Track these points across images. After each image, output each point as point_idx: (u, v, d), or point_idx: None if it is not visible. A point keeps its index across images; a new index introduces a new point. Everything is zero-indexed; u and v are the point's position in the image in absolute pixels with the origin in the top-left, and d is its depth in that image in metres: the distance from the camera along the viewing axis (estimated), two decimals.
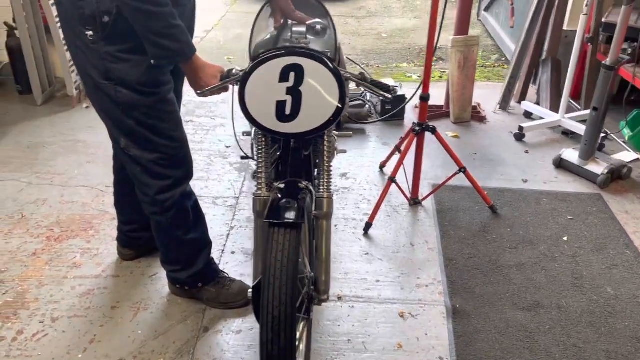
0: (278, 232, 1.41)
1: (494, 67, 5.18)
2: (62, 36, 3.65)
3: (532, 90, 4.13)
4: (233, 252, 2.43)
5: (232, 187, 2.94)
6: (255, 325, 2.03)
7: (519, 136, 3.52)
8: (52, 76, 4.06)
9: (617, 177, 3.04)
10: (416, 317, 2.09)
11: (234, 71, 1.66)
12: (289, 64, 1.51)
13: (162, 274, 2.27)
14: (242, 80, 1.53)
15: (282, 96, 1.53)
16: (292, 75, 1.52)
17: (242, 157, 2.72)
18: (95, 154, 3.25)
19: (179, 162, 1.90)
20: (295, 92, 1.53)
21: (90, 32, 1.62)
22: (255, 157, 2.11)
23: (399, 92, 3.60)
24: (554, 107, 3.75)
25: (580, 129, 3.45)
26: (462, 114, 3.74)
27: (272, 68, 1.52)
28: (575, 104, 3.85)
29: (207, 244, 2.09)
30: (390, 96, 1.67)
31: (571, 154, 3.13)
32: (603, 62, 2.80)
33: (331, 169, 1.67)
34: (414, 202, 2.80)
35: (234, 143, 3.42)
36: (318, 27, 1.81)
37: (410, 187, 2.80)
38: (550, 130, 3.65)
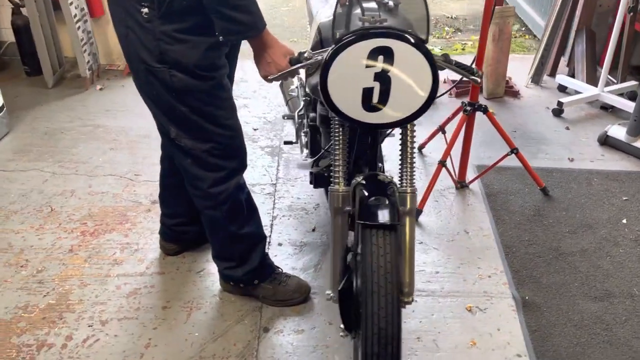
0: (377, 235, 1.29)
1: (515, 37, 5.00)
2: (73, 13, 3.44)
3: (561, 63, 3.98)
4: (280, 244, 2.31)
5: (267, 173, 2.80)
6: (318, 324, 1.92)
7: (558, 112, 3.39)
8: (61, 56, 3.84)
9: None
10: (484, 311, 1.99)
11: (306, 54, 1.51)
12: (377, 46, 1.36)
13: (210, 269, 2.15)
14: (324, 65, 1.38)
15: (370, 82, 1.38)
16: (380, 59, 1.37)
17: (286, 143, 2.60)
18: (118, 140, 3.08)
19: (234, 151, 1.76)
20: (384, 78, 1.38)
21: (146, 10, 1.46)
22: (324, 147, 1.97)
23: None
24: (590, 80, 3.62)
25: (621, 102, 3.33)
26: (496, 89, 3.59)
27: (358, 52, 1.36)
28: (610, 77, 3.71)
29: (262, 238, 1.96)
30: (478, 80, 1.52)
31: (618, 131, 3.00)
32: None
33: (415, 161, 1.53)
34: (461, 185, 2.68)
35: (261, 125, 3.26)
36: (390, 2, 1.64)
37: (457, 169, 2.67)
38: (588, 104, 3.52)
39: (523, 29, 5.16)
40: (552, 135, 3.18)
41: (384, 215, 1.32)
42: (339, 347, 1.83)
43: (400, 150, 1.54)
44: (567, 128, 3.27)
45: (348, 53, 1.37)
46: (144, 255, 2.23)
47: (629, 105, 3.28)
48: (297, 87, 2.67)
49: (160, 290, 2.06)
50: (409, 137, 1.52)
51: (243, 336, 1.88)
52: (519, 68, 3.99)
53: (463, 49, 4.68)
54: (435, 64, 1.39)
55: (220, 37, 1.51)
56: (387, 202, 1.36)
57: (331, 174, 1.54)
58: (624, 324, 1.93)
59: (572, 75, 3.81)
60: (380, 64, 1.37)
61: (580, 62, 3.74)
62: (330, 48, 1.38)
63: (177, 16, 1.48)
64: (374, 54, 1.36)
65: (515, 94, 3.65)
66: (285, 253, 2.26)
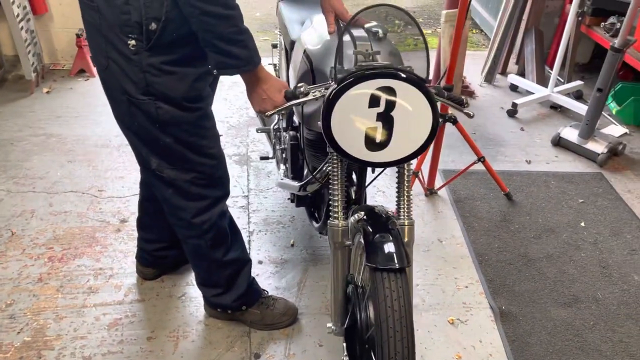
0: (388, 279, 1.31)
1: None
2: (15, 12, 3.20)
3: (511, 61, 4.13)
4: (260, 262, 2.29)
5: (237, 184, 2.75)
6: (308, 346, 1.94)
7: (512, 112, 3.53)
8: (1, 56, 3.59)
9: (614, 154, 3.13)
10: (466, 323, 2.07)
11: (302, 89, 1.49)
12: (380, 86, 1.36)
13: (191, 293, 2.11)
14: (327, 106, 1.37)
15: (372, 123, 1.39)
16: (382, 99, 1.37)
17: (262, 158, 2.56)
18: (74, 151, 2.93)
19: (217, 180, 1.73)
20: (386, 118, 1.38)
21: (133, 42, 1.39)
22: (311, 171, 1.95)
23: None
24: (540, 80, 3.78)
25: (570, 103, 3.51)
26: (454, 89, 3.67)
27: (360, 91, 1.36)
28: (558, 77, 3.88)
29: (247, 261, 1.94)
30: (471, 114, 1.57)
31: (570, 133, 3.17)
32: (611, 44, 2.80)
33: (411, 193, 1.56)
34: (430, 192, 2.75)
35: (225, 130, 3.20)
36: (380, 31, 1.64)
37: (427, 177, 2.74)
38: (539, 104, 3.68)
39: (470, 22, 5.28)
40: (508, 137, 3.32)
41: (394, 258, 1.34)
42: None
43: (397, 183, 1.56)
44: (522, 129, 3.41)
45: (351, 94, 1.37)
46: (120, 281, 2.16)
47: (576, 106, 3.47)
48: None
49: (143, 320, 2.01)
50: (405, 171, 1.54)
51: None
52: (470, 65, 4.10)
53: (415, 45, 4.73)
54: (435, 102, 1.41)
55: (214, 71, 1.46)
56: (396, 242, 1.37)
57: (330, 208, 1.54)
58: (592, 329, 2.06)
59: (521, 74, 3.97)
60: (382, 105, 1.38)
61: (530, 62, 3.89)
62: (332, 87, 1.37)
63: (165, 48, 1.42)
64: (377, 94, 1.37)
65: (471, 94, 3.76)
66: (267, 272, 2.25)
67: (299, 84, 1.52)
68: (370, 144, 1.40)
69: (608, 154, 3.04)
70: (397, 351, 1.24)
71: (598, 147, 3.06)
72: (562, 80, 3.83)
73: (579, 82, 3.75)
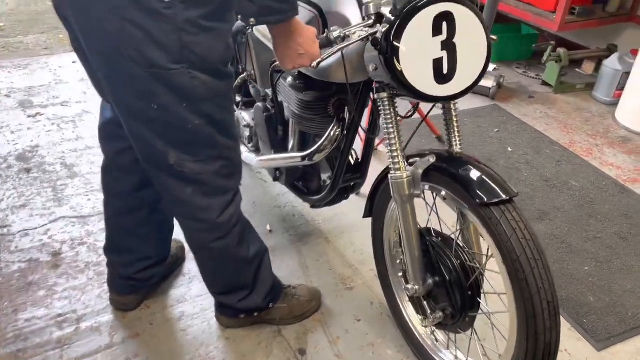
0: (508, 210, 1.23)
1: None
2: None
3: None
4: None
5: None
6: (348, 325, 1.77)
7: None
8: None
9: (499, 87, 3.43)
10: None
11: (337, 32, 1.32)
12: (440, 12, 1.26)
13: (189, 310, 1.80)
14: (394, 39, 1.23)
15: (438, 52, 1.28)
16: (444, 25, 1.27)
17: None
18: None
19: (239, 166, 1.47)
20: (450, 46, 1.29)
21: None
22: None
23: None
24: None
25: None
26: None
27: (423, 19, 1.25)
28: None
29: (266, 250, 1.68)
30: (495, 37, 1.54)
31: None
32: None
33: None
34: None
35: None
36: None
37: None
38: None
39: None
40: None
41: (500, 189, 1.26)
42: (388, 335, 1.73)
43: (445, 117, 1.51)
44: None
45: (416, 22, 1.24)
46: (95, 321, 1.73)
47: None
48: None
49: (151, 357, 1.63)
50: (452, 104, 1.49)
51: None
52: None
53: None
54: (486, 25, 1.35)
55: (252, 20, 1.20)
56: (487, 173, 1.30)
57: (391, 160, 1.41)
58: (570, 234, 2.24)
59: None
60: (444, 32, 1.28)
61: None
62: (392, 17, 1.24)
63: None
64: (439, 21, 1.27)
65: None
66: None
67: (332, 28, 1.34)
68: (438, 77, 1.30)
69: (497, 87, 3.32)
70: (543, 279, 1.18)
71: (487, 82, 3.32)
72: None
73: None
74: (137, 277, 1.71)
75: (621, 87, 3.18)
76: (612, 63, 3.25)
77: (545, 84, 3.54)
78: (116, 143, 1.50)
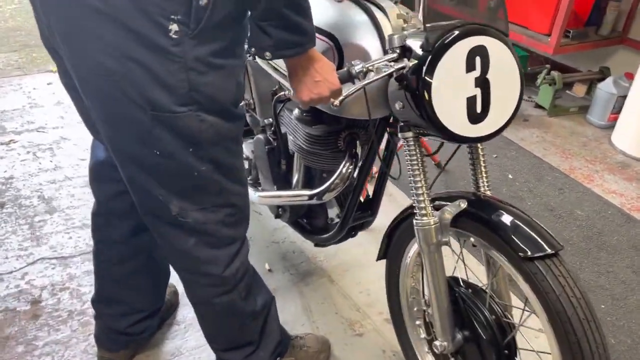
0: (553, 265, 1.11)
1: None
2: None
3: None
4: None
5: None
6: None
7: None
8: None
9: None
10: None
11: (359, 66, 1.20)
12: (474, 46, 1.15)
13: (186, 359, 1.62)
14: (426, 74, 1.12)
15: (472, 90, 1.17)
16: (477, 60, 1.16)
17: None
18: None
19: (246, 213, 1.33)
20: (484, 83, 1.18)
21: (176, 26, 0.95)
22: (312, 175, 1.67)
23: None
24: None
25: None
26: None
27: (457, 54, 1.14)
28: None
29: (272, 299, 1.54)
30: None
31: None
32: None
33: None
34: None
35: None
36: None
37: None
38: None
39: None
40: None
41: (544, 241, 1.15)
42: None
43: (471, 158, 1.39)
44: None
45: (449, 57, 1.14)
46: None
47: None
48: None
49: None
50: (479, 144, 1.38)
51: None
52: None
53: None
54: (519, 60, 1.25)
55: (267, 54, 1.07)
56: (529, 223, 1.19)
57: (416, 204, 1.29)
58: (582, 269, 2.16)
59: None
60: (478, 68, 1.17)
61: None
62: (421, 52, 1.13)
63: (213, 32, 1.00)
64: (472, 55, 1.16)
65: None
66: None
67: (354, 62, 1.22)
68: (472, 116, 1.19)
69: None
70: (597, 343, 1.07)
71: None
72: None
73: None
74: (130, 330, 1.54)
75: (616, 111, 3.15)
76: (606, 86, 3.21)
77: (538, 106, 3.49)
78: (110, 186, 1.35)
